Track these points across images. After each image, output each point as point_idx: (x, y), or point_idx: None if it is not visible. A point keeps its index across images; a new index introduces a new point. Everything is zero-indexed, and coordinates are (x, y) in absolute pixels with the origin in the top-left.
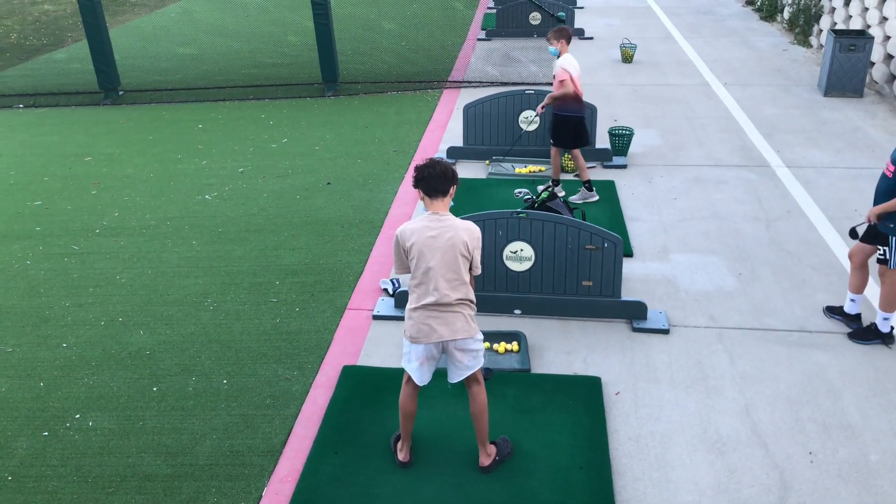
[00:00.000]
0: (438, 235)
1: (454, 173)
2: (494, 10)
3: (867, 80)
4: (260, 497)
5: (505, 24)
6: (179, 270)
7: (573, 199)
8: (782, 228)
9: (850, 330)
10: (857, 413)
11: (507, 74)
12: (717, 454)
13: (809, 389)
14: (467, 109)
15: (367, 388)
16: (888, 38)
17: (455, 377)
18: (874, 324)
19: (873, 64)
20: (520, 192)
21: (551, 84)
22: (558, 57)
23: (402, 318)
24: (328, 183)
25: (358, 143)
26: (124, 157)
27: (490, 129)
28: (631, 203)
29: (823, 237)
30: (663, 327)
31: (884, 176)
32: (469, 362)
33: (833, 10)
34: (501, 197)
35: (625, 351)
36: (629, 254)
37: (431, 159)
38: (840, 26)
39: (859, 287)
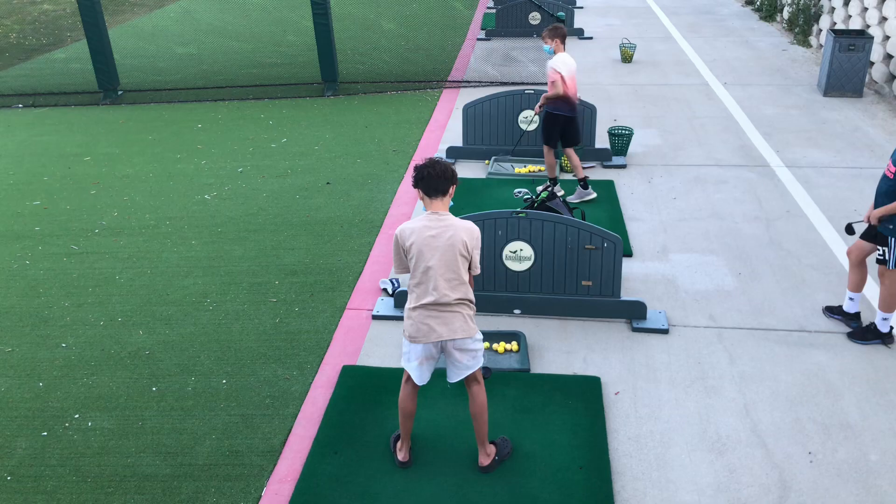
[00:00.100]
0: (438, 235)
1: (454, 173)
2: (494, 10)
3: (867, 79)
4: (259, 497)
5: (504, 24)
6: (179, 270)
7: (571, 198)
8: (782, 228)
9: (849, 329)
10: (857, 413)
11: (506, 74)
12: (716, 454)
13: (809, 389)
14: (467, 109)
15: (367, 387)
16: (888, 37)
17: (454, 377)
18: (873, 324)
19: (873, 64)
20: (519, 192)
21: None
22: (553, 55)
23: (401, 318)
24: (328, 183)
25: (357, 142)
26: (124, 156)
27: (489, 129)
28: (630, 203)
29: (823, 237)
30: (663, 327)
31: (884, 177)
32: (468, 362)
33: (832, 9)
34: (501, 197)
35: (624, 351)
36: (629, 253)
37: (431, 159)
38: (839, 26)
39: (858, 285)
